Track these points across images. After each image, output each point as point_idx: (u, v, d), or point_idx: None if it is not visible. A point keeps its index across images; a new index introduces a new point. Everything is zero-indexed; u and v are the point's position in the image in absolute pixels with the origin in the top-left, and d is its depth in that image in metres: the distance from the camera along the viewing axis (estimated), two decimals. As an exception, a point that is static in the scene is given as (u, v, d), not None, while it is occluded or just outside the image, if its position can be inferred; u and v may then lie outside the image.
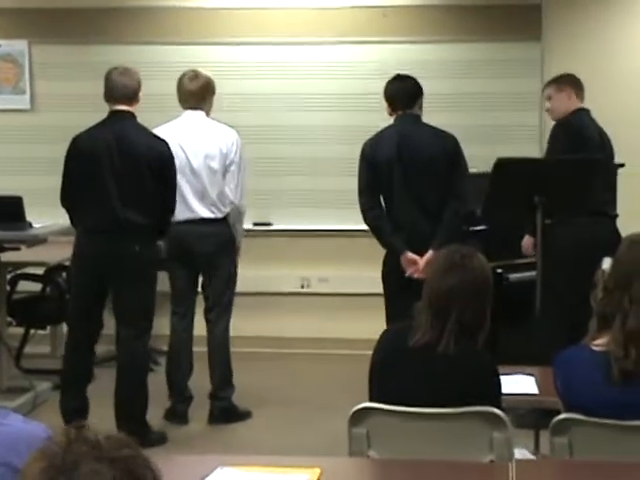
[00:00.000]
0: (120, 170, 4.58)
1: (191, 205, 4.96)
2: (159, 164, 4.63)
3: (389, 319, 4.63)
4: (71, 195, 4.69)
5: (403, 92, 4.74)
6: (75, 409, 4.64)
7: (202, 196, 4.98)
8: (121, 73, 4.70)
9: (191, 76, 5.06)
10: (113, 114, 4.67)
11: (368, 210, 4.72)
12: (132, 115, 4.68)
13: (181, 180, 4.92)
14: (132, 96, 4.66)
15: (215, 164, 4.97)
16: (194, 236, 4.97)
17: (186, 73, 5.11)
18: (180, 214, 4.94)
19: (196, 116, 5.05)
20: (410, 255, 4.63)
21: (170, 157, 4.68)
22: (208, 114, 5.10)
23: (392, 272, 4.68)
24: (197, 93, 5.03)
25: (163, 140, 4.71)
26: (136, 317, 4.70)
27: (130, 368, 4.74)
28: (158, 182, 4.62)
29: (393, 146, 4.66)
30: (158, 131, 4.98)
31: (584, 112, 5.10)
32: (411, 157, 4.64)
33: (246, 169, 5.11)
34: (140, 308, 4.70)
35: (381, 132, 4.77)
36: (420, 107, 4.83)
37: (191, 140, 4.98)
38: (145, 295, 4.69)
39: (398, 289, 4.58)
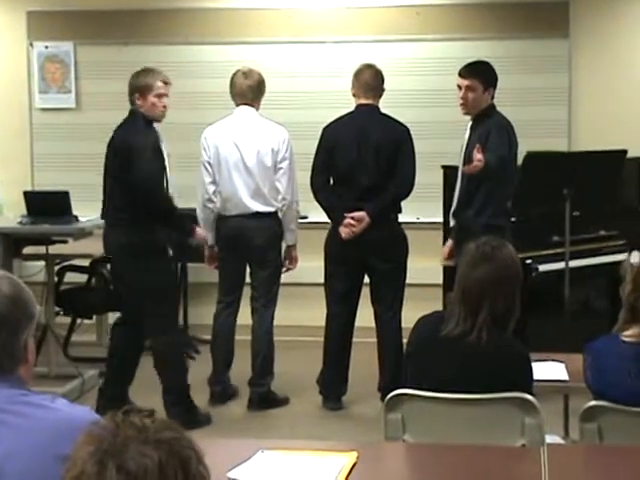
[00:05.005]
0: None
1: (244, 201, 5.07)
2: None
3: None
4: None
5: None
6: (116, 397, 4.74)
7: (255, 193, 5.08)
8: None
9: (246, 72, 5.15)
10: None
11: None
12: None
13: (236, 177, 5.06)
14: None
15: (267, 161, 5.07)
16: (246, 229, 5.07)
17: (239, 70, 5.19)
18: (233, 209, 5.10)
19: (249, 112, 5.12)
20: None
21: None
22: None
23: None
24: (254, 87, 5.12)
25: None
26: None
27: (161, 356, 4.83)
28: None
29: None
30: (213, 128, 5.14)
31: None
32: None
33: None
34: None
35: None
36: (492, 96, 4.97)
37: (245, 138, 5.07)
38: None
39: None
